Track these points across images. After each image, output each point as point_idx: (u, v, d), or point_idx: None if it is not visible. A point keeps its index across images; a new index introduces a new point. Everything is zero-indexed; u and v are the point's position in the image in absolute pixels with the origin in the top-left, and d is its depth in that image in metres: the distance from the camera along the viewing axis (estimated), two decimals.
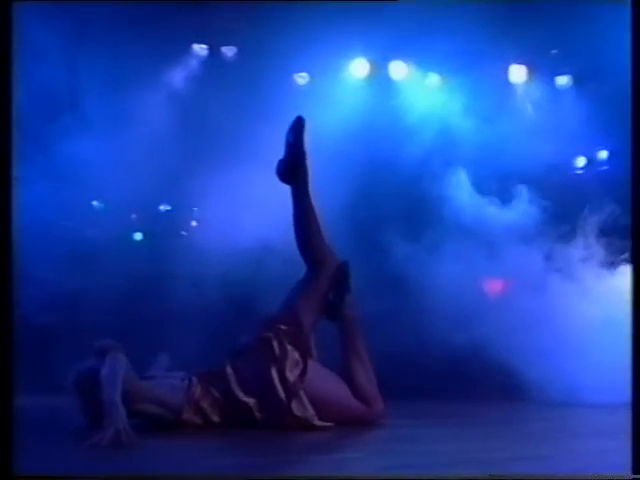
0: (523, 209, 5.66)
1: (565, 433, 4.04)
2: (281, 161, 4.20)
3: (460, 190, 5.84)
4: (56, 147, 5.89)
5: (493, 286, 5.78)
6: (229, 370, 3.96)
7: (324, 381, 4.07)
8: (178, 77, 6.51)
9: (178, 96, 6.45)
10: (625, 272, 4.90)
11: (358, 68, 6.59)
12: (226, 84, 6.32)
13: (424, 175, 5.93)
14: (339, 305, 4.19)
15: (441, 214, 5.75)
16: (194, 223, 6.60)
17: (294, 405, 3.93)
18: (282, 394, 3.93)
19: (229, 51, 6.56)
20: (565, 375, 4.98)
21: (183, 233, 6.57)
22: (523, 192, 5.79)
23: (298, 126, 4.15)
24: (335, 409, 4.03)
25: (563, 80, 6.59)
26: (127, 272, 5.89)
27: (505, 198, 5.75)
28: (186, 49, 6.55)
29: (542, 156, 6.08)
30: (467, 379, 5.34)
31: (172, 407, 3.85)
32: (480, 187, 5.87)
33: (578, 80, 6.52)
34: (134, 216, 6.48)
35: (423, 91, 6.57)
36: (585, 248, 5.32)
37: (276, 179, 4.22)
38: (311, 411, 3.95)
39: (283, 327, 4.05)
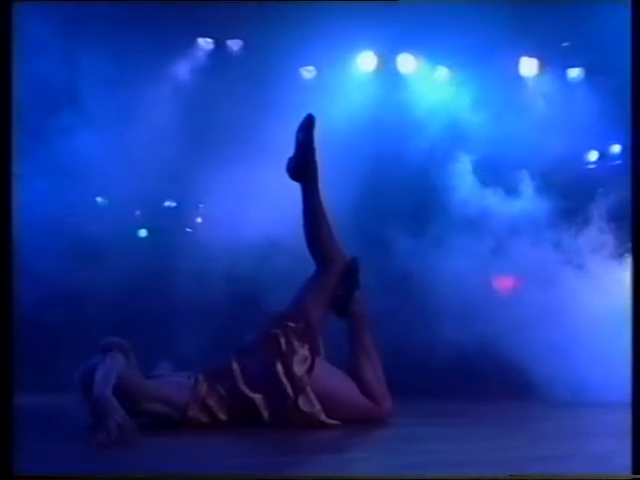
0: (534, 204, 5.64)
1: (577, 432, 4.03)
2: (291, 159, 4.23)
3: (469, 185, 5.84)
4: (60, 143, 5.89)
5: (503, 281, 5.77)
6: (235, 366, 3.99)
7: (331, 378, 4.09)
8: (183, 71, 6.50)
9: (183, 91, 6.44)
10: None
11: (366, 62, 6.57)
12: (232, 78, 6.31)
13: (433, 169, 5.92)
14: (348, 301, 4.22)
15: (450, 209, 5.74)
16: (199, 219, 6.60)
17: (301, 400, 3.95)
18: (289, 389, 3.95)
19: (235, 45, 6.55)
20: (577, 372, 4.96)
21: (188, 230, 6.56)
22: (534, 187, 5.78)
23: (308, 124, 4.18)
24: (342, 407, 4.04)
25: (575, 73, 6.56)
26: (131, 269, 5.89)
27: (515, 193, 5.74)
28: (191, 43, 6.54)
29: (553, 150, 6.06)
30: (476, 377, 5.32)
31: (178, 405, 3.87)
32: (490, 182, 5.86)
33: (590, 73, 6.49)
34: (138, 212, 6.48)
35: (432, 85, 6.54)
36: (598, 244, 5.31)
37: (283, 174, 4.25)
38: (317, 406, 3.97)
39: (291, 324, 4.07)
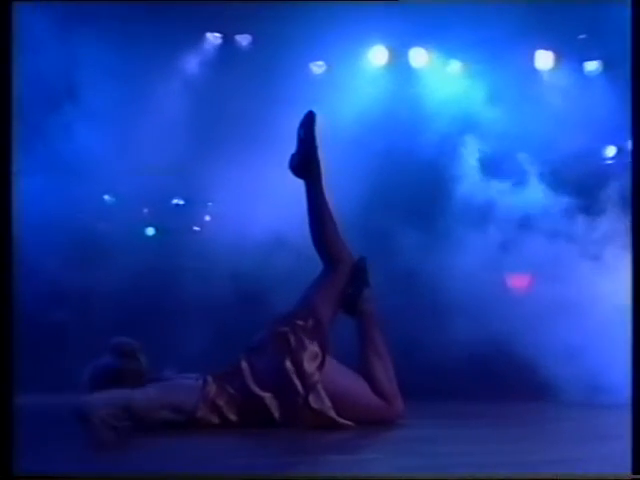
0: (550, 199, 5.63)
1: (594, 434, 4.01)
2: (293, 156, 4.27)
3: (482, 180, 5.83)
4: (65, 139, 5.92)
5: (516, 277, 5.76)
6: (244, 366, 4.00)
7: (342, 377, 4.09)
8: (191, 67, 6.51)
9: (191, 86, 6.45)
10: None
11: (377, 56, 6.56)
12: (240, 74, 6.31)
13: (445, 165, 5.92)
14: (357, 299, 4.23)
15: (463, 204, 5.73)
16: (207, 218, 6.61)
17: (311, 398, 3.96)
18: (299, 387, 3.96)
19: (243, 39, 6.55)
20: (594, 371, 4.93)
21: (195, 228, 6.57)
22: (549, 181, 5.77)
23: (309, 120, 4.22)
24: (354, 406, 4.04)
25: (592, 66, 6.53)
26: (137, 267, 5.91)
27: (530, 188, 5.73)
28: (199, 38, 6.55)
29: (570, 144, 6.04)
30: (489, 377, 5.31)
31: (186, 408, 3.87)
32: (504, 177, 5.85)
33: (608, 66, 6.47)
34: (145, 210, 6.49)
35: (445, 79, 6.52)
36: (614, 237, 5.29)
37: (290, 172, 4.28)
38: (328, 403, 3.97)
39: (300, 322, 4.08)
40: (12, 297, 2.94)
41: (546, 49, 6.58)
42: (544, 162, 5.88)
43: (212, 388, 3.94)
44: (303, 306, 4.17)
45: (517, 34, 6.13)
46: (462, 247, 5.52)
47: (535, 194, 5.73)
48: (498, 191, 5.79)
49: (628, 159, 6.34)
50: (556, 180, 5.72)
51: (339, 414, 4.00)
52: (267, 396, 3.97)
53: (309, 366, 3.99)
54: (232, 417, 3.95)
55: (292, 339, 4.04)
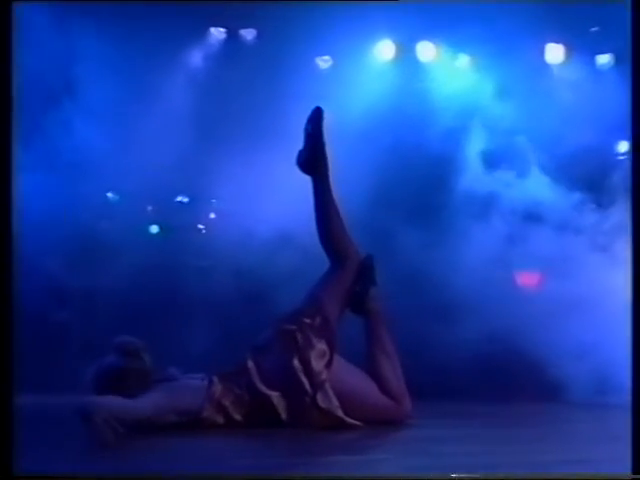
0: (560, 195, 5.62)
1: (609, 435, 3.99)
2: (301, 152, 4.28)
3: (493, 176, 5.83)
4: (68, 136, 5.93)
5: (525, 273, 5.74)
6: (251, 365, 4.01)
7: (350, 376, 4.09)
8: (195, 62, 6.51)
9: (195, 82, 6.44)
10: None
11: (384, 50, 6.54)
12: (245, 69, 6.30)
13: (453, 160, 5.91)
14: (364, 297, 4.23)
15: (471, 199, 5.73)
16: (212, 215, 6.61)
17: (319, 397, 3.96)
18: (307, 386, 3.96)
19: (248, 34, 6.54)
20: (605, 370, 4.92)
21: (200, 226, 6.57)
22: (561, 178, 5.75)
23: (317, 116, 4.22)
24: (362, 406, 4.04)
25: (604, 59, 6.51)
26: (140, 266, 5.91)
27: (540, 184, 5.72)
28: (203, 33, 6.54)
29: (581, 140, 6.02)
30: (498, 377, 5.30)
31: (192, 409, 3.87)
32: (514, 172, 5.84)
33: (620, 59, 6.44)
34: (149, 208, 6.49)
35: (453, 73, 6.50)
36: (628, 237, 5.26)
37: (297, 167, 4.28)
38: (336, 403, 3.97)
39: (307, 320, 4.08)
40: (12, 296, 2.94)
41: (557, 42, 6.54)
42: (554, 157, 5.87)
43: (218, 388, 3.94)
44: (310, 304, 4.16)
45: (527, 27, 6.09)
46: (470, 243, 5.51)
47: (545, 189, 5.71)
48: (507, 186, 5.78)
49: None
50: (567, 175, 5.70)
51: (347, 413, 3.99)
52: (274, 395, 3.97)
53: (317, 364, 3.99)
54: (238, 417, 3.95)
55: (299, 337, 4.04)
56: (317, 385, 3.97)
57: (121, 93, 6.01)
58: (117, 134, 6.03)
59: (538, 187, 5.74)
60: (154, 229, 6.52)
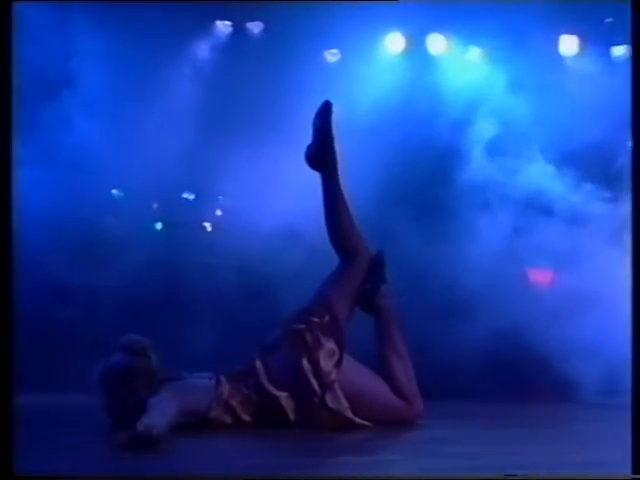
0: (573, 189, 5.61)
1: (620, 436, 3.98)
2: (309, 147, 4.26)
3: (504, 171, 5.82)
4: (70, 131, 5.94)
5: (537, 269, 5.73)
6: (259, 365, 4.00)
7: (360, 375, 4.09)
8: (200, 56, 6.49)
9: (201, 76, 6.44)
10: None
11: (393, 43, 6.52)
12: (252, 63, 6.29)
13: (464, 155, 5.90)
14: (374, 294, 4.22)
15: (482, 194, 5.72)
16: (219, 212, 6.60)
17: (328, 397, 3.95)
18: (316, 386, 3.96)
19: (255, 27, 6.52)
20: (618, 368, 4.90)
21: (206, 222, 6.57)
22: (575, 173, 5.74)
23: (326, 110, 4.21)
24: (372, 406, 4.03)
25: (619, 51, 6.48)
26: (144, 263, 5.91)
27: (554, 179, 5.70)
28: (209, 26, 6.53)
29: (595, 134, 6.00)
30: (508, 376, 5.30)
31: (199, 410, 3.87)
32: (527, 167, 5.83)
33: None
34: (154, 205, 6.49)
35: (464, 66, 6.48)
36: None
37: (305, 162, 4.28)
38: (345, 403, 3.97)
39: (315, 319, 4.07)
40: (12, 294, 2.95)
41: (570, 34, 6.51)
42: (568, 151, 5.85)
43: (225, 388, 3.94)
44: (318, 302, 4.15)
45: (540, 18, 6.08)
46: (479, 237, 5.51)
47: (558, 183, 5.70)
48: (519, 181, 5.77)
49: None
50: (580, 169, 5.69)
51: (357, 414, 3.99)
52: (282, 396, 3.96)
53: (326, 364, 3.99)
54: (246, 417, 3.94)
55: (308, 337, 4.03)
56: (326, 385, 3.97)
57: (126, 88, 6.02)
58: (122, 129, 6.03)
59: (550, 181, 5.73)
60: (159, 226, 6.51)
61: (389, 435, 3.94)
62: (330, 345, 4.04)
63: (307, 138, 4.27)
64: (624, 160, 6.02)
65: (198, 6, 6.14)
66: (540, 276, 5.74)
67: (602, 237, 5.31)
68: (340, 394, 3.98)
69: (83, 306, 5.98)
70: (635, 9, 3.35)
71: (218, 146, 6.05)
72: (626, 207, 5.26)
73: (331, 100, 4.22)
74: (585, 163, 5.78)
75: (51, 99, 5.91)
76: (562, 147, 5.90)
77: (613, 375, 4.92)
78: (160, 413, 3.53)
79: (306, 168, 4.29)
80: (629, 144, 6.33)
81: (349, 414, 3.98)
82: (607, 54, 6.48)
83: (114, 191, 6.44)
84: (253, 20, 6.53)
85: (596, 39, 6.49)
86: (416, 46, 6.55)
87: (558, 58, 6.52)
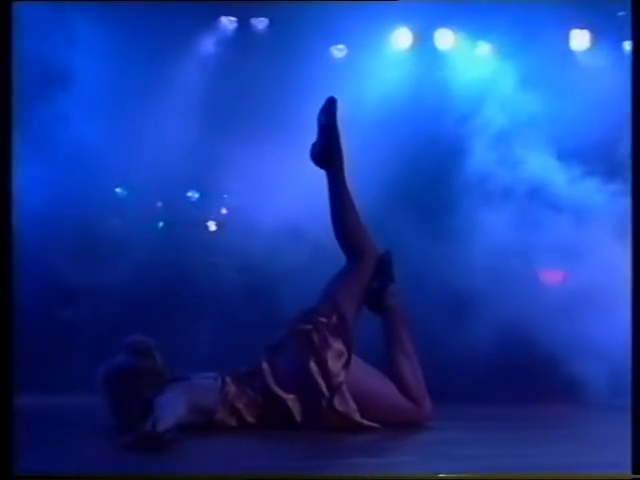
0: (584, 185, 5.60)
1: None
2: (314, 144, 4.25)
3: (515, 167, 5.81)
4: (73, 128, 5.95)
5: (547, 266, 5.73)
6: (265, 366, 4.00)
7: (368, 377, 4.09)
8: (205, 52, 6.50)
9: (205, 73, 6.44)
10: None
11: (400, 38, 6.50)
12: (257, 59, 6.29)
13: (474, 152, 5.90)
14: (382, 294, 4.21)
15: (493, 190, 5.72)
16: (224, 210, 6.60)
17: (336, 400, 3.95)
18: (324, 388, 3.95)
19: (260, 23, 6.52)
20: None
21: (209, 221, 6.57)
22: (587, 169, 5.74)
23: (330, 107, 4.19)
24: (380, 407, 4.03)
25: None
26: (147, 262, 5.93)
27: (564, 175, 5.70)
28: (213, 22, 6.53)
29: (608, 130, 5.99)
30: (516, 377, 5.29)
31: (206, 410, 3.88)
32: (538, 163, 5.82)
33: (637, 50, 6.37)
34: (158, 203, 6.50)
35: (473, 62, 6.46)
36: None
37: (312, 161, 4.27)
38: (353, 406, 3.96)
39: (323, 319, 4.07)
40: (12, 295, 2.96)
41: (581, 28, 6.50)
42: (580, 148, 5.84)
43: (231, 389, 3.94)
44: (325, 302, 4.15)
45: (550, 12, 6.07)
46: (490, 234, 5.50)
47: (570, 180, 5.69)
48: (529, 177, 5.77)
49: None
50: (593, 166, 5.68)
51: (365, 415, 3.98)
52: (289, 398, 3.96)
53: (334, 366, 3.98)
54: (252, 419, 3.94)
55: (315, 337, 4.02)
56: (334, 387, 3.96)
57: (130, 85, 6.03)
58: (125, 126, 6.04)
59: (561, 178, 5.72)
60: (162, 224, 6.51)
61: (398, 437, 3.94)
62: (338, 346, 4.03)
63: (313, 135, 4.27)
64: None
65: (203, 2, 6.15)
66: (550, 274, 5.73)
67: (614, 233, 5.30)
68: (348, 396, 3.97)
69: (84, 305, 6.00)
70: (635, 8, 3.34)
71: (222, 143, 6.06)
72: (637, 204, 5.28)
73: (338, 97, 4.22)
74: (597, 159, 5.75)
75: (54, 96, 5.92)
76: (573, 143, 5.88)
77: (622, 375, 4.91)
78: (169, 412, 3.53)
79: (311, 165, 4.28)
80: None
81: (357, 417, 3.97)
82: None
83: (117, 189, 6.45)
84: (258, 16, 6.52)
85: (608, 33, 6.47)
86: (424, 41, 6.52)
87: (569, 53, 6.49)
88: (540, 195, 5.69)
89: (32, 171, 5.40)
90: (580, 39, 6.50)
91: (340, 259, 4.26)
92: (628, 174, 5.40)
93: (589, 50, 6.50)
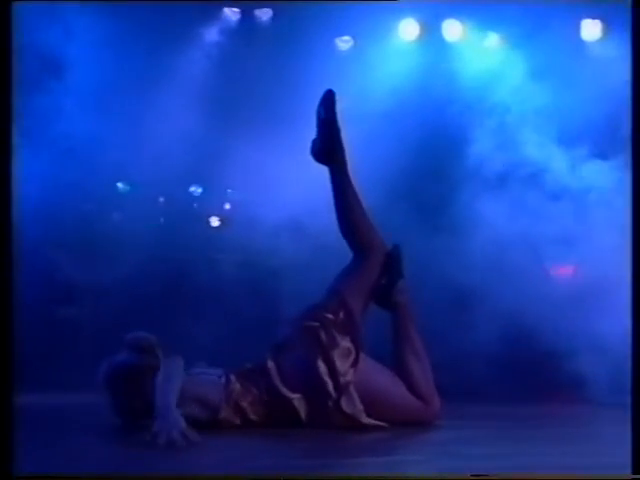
0: (597, 179, 5.60)
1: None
2: (315, 140, 4.20)
3: (524, 159, 5.81)
4: (75, 121, 5.95)
5: (556, 263, 5.73)
6: (271, 365, 3.98)
7: (376, 375, 4.07)
8: (208, 44, 6.50)
9: (209, 65, 6.45)
10: None
11: (407, 30, 6.50)
12: (260, 51, 6.30)
13: (482, 143, 5.89)
14: (391, 290, 4.19)
15: (501, 182, 5.71)
16: (226, 205, 6.61)
17: (343, 400, 3.94)
18: (331, 387, 3.94)
19: (263, 14, 6.52)
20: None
21: (212, 216, 6.58)
22: (597, 161, 5.73)
23: (329, 100, 4.14)
24: (389, 406, 4.02)
25: None
26: (149, 258, 5.94)
27: (573, 168, 5.70)
28: (216, 13, 6.53)
29: (619, 123, 5.98)
30: (522, 376, 5.29)
31: (212, 406, 3.87)
32: (548, 155, 5.82)
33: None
34: (160, 197, 6.51)
35: (481, 53, 6.45)
36: None
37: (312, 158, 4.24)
38: (359, 406, 3.95)
39: (330, 316, 4.05)
40: (12, 293, 2.96)
41: (593, 18, 6.48)
42: (591, 140, 5.83)
43: (235, 387, 3.93)
44: (332, 298, 4.12)
45: (560, 2, 6.06)
46: (495, 226, 5.50)
47: (580, 172, 5.69)
48: (538, 169, 5.76)
49: None
50: (604, 157, 5.67)
51: (372, 414, 3.97)
52: (296, 397, 3.95)
53: (342, 364, 3.97)
54: (256, 418, 3.93)
55: (322, 335, 4.00)
56: (342, 387, 3.95)
57: (132, 76, 6.04)
58: (128, 119, 6.04)
59: (571, 170, 5.72)
60: (163, 219, 6.51)
61: (406, 435, 3.93)
62: (346, 344, 4.02)
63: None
64: None
65: None
66: (560, 269, 5.73)
67: (622, 226, 5.29)
68: (355, 396, 3.96)
69: (85, 302, 6.01)
70: (635, 11, 3.34)
71: (225, 136, 6.06)
72: None
73: (343, 89, 4.20)
74: (610, 151, 5.75)
75: (54, 88, 5.93)
76: (584, 136, 5.87)
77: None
78: (174, 410, 3.53)
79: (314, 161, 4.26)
80: None
81: (363, 418, 3.96)
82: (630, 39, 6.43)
83: (119, 183, 6.45)
84: (262, 7, 6.52)
85: (620, 23, 6.44)
86: (431, 33, 6.51)
87: (580, 44, 6.47)
88: (550, 186, 5.68)
89: (32, 165, 5.41)
90: (591, 29, 6.47)
91: (343, 255, 4.24)
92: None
93: (601, 40, 6.47)
